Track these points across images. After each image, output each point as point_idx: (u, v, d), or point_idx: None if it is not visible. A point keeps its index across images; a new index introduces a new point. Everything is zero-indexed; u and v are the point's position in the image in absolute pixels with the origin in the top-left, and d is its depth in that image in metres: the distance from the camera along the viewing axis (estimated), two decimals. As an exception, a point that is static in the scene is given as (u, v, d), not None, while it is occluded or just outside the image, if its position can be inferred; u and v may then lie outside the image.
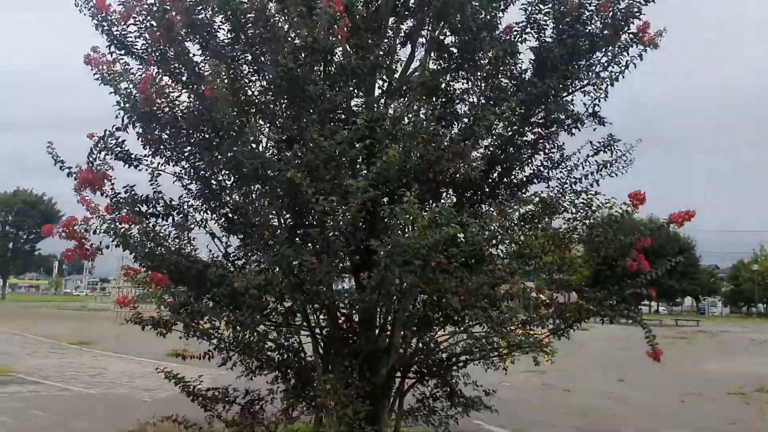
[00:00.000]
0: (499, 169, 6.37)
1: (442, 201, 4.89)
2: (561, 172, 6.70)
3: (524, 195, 6.48)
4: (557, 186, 6.58)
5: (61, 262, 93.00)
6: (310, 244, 5.33)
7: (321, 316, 6.28)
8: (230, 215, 6.19)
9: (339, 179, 5.05)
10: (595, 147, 6.28)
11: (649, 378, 14.98)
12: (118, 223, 5.68)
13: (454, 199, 5.96)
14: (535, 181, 6.79)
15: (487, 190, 6.44)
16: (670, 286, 55.48)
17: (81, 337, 21.86)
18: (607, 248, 5.85)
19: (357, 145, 5.20)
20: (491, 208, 6.28)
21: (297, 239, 5.53)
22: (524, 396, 12.08)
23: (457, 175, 5.54)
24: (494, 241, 5.36)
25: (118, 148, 5.97)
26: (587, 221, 5.87)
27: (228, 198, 6.19)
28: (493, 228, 5.05)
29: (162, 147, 6.07)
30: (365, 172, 4.97)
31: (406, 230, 4.87)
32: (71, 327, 27.38)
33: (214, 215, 6.25)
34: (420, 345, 6.10)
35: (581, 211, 5.87)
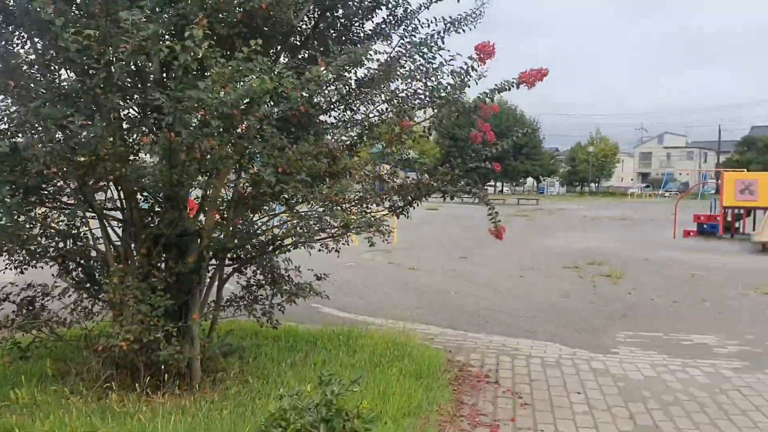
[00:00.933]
0: (330, 18, 5.36)
1: (253, 48, 3.83)
2: (405, 30, 5.84)
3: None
4: (400, 47, 5.73)
5: None
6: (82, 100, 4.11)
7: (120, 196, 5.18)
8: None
9: (108, 10, 3.78)
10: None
11: (491, 255, 15.27)
12: None
13: (274, 51, 4.93)
14: (375, 39, 5.89)
15: (316, 43, 5.44)
16: (514, 167, 58.20)
17: None
18: (449, 111, 5.13)
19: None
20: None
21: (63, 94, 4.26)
22: (368, 276, 11.74)
23: (275, 19, 4.45)
24: (319, 100, 4.42)
25: None
26: (429, 80, 5.08)
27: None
28: (319, 80, 4.08)
29: None
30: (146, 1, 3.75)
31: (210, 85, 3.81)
32: None
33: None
34: (239, 228, 5.20)
35: (421, 67, 5.07)
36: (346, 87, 5.71)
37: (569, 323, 8.24)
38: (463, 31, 5.30)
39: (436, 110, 5.19)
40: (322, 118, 5.77)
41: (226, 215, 5.11)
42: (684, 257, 15.59)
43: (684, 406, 5.10)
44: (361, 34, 5.96)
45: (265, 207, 5.40)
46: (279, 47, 5.20)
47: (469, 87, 5.27)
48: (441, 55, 5.09)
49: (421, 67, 5.14)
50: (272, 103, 4.24)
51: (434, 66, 5.07)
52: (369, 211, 5.92)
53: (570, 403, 5.17)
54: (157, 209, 5.22)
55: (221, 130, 3.81)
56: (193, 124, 3.83)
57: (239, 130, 4.16)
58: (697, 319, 8.67)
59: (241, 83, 3.79)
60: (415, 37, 5.70)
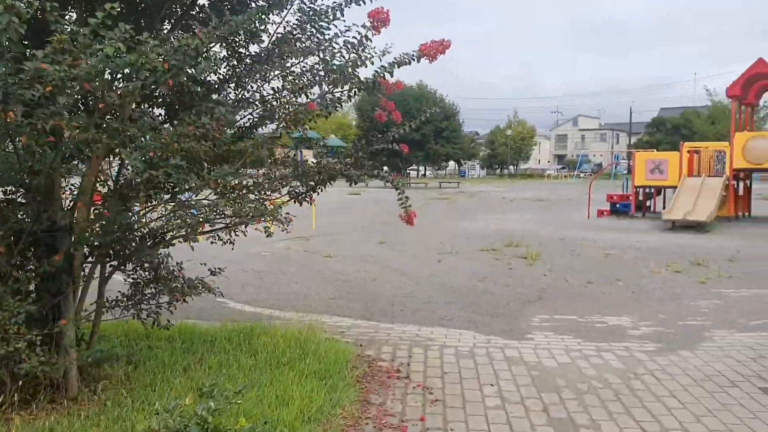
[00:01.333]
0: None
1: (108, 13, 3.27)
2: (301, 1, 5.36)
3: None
4: (296, 19, 5.25)
5: None
6: None
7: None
8: None
9: None
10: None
11: (410, 239, 15.03)
12: None
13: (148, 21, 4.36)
14: (269, 10, 5.38)
15: (201, 15, 4.90)
16: (435, 151, 58.43)
17: None
18: (342, 84, 4.71)
19: None
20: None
21: None
22: (281, 266, 11.24)
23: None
24: (192, 71, 3.90)
25: None
26: (322, 53, 4.63)
27: None
28: (189, 49, 3.55)
29: None
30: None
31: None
32: None
33: None
34: (112, 220, 4.61)
35: (314, 39, 4.62)
36: (239, 63, 5.22)
37: (485, 309, 8.04)
38: (364, 3, 4.85)
39: (330, 86, 4.75)
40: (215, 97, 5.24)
41: (100, 208, 4.53)
42: (598, 237, 15.83)
43: (599, 395, 4.91)
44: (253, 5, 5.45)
45: (150, 196, 4.85)
46: (154, 16, 4.62)
47: (372, 63, 4.87)
48: (336, 26, 4.65)
49: (313, 38, 4.68)
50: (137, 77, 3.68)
51: (328, 37, 4.62)
52: (268, 198, 5.47)
53: (482, 397, 4.89)
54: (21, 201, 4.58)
55: (81, 109, 3.26)
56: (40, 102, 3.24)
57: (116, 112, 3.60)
58: (612, 299, 8.65)
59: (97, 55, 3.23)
60: (313, 4, 5.23)
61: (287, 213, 5.11)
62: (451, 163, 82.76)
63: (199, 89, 4.75)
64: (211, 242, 5.47)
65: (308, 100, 4.84)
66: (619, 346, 6.28)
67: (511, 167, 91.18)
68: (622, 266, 11.36)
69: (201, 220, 4.36)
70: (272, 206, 5.01)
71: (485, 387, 5.13)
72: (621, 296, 8.85)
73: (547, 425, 4.35)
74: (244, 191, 4.84)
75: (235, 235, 5.15)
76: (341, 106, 4.99)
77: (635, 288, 9.39)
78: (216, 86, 5.19)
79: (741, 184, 21.52)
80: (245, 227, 5.21)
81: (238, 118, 4.94)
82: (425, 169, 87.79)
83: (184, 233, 4.43)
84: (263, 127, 5.33)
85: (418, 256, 12.76)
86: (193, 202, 4.58)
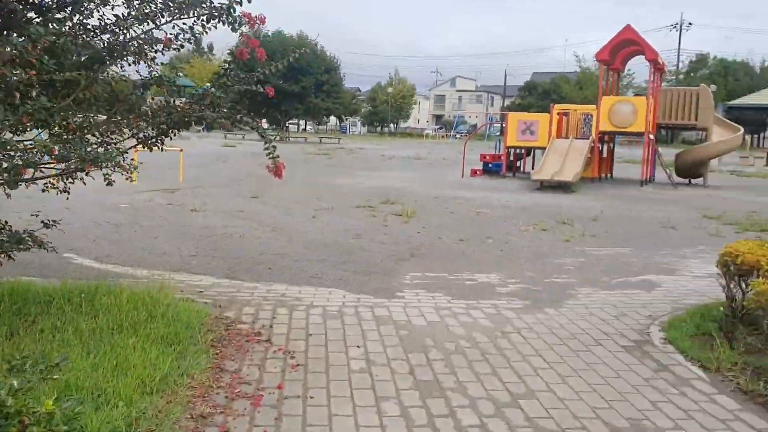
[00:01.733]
0: None
1: None
2: None
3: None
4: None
5: None
6: None
7: None
8: None
9: None
10: None
11: (285, 194, 14.53)
12: None
13: None
14: None
15: None
16: (315, 104, 57.40)
17: None
18: (192, 11, 4.14)
19: None
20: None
21: None
22: (141, 219, 10.41)
23: None
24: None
25: None
26: None
27: None
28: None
29: None
30: None
31: None
32: None
33: None
34: None
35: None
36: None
37: (358, 266, 7.77)
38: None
39: (177, 13, 4.16)
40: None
41: None
42: (471, 195, 16.04)
43: (466, 355, 4.77)
44: None
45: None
46: None
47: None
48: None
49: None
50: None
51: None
52: (113, 142, 4.84)
53: (347, 360, 4.61)
54: None
55: None
56: None
57: None
58: (482, 257, 8.66)
59: None
60: None
61: (133, 160, 4.51)
62: (333, 119, 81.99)
63: (20, 7, 4.00)
64: (43, 190, 4.77)
65: (153, 26, 4.22)
66: (488, 304, 6.22)
67: (392, 125, 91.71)
68: (492, 225, 11.50)
69: (20, 163, 3.69)
70: (116, 151, 4.40)
71: (351, 349, 4.85)
72: (491, 254, 8.89)
73: (413, 389, 4.14)
74: (78, 133, 4.19)
75: (71, 182, 4.48)
76: (195, 37, 4.39)
77: (504, 246, 9.48)
78: (45, 7, 4.43)
79: (605, 147, 22.60)
80: (86, 174, 4.56)
81: (70, 45, 4.22)
82: (306, 123, 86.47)
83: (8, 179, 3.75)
84: (112, 61, 4.64)
85: (292, 211, 12.30)
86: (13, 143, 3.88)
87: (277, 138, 54.57)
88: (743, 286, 5.25)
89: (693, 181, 21.54)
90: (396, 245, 9.23)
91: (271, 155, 4.90)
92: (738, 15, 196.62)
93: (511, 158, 22.90)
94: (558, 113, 21.56)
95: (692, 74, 69.84)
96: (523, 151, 23.38)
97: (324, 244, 9.14)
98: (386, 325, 5.46)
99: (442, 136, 77.05)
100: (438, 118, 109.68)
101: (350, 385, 4.17)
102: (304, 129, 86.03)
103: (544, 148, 20.99)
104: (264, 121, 72.22)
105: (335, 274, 7.35)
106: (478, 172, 22.40)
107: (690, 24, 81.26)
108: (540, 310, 6.06)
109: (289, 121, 68.42)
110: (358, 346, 4.91)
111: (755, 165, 33.71)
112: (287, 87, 54.21)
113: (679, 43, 71.75)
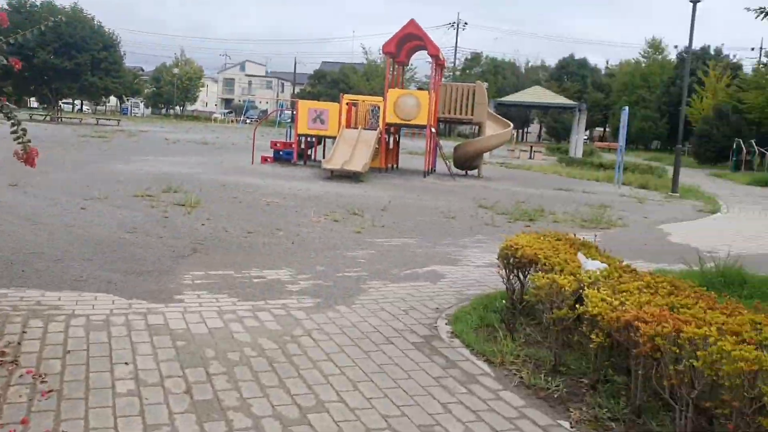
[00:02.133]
0: None
1: None
2: None
3: None
4: None
5: None
6: None
7: None
8: None
9: None
10: None
11: (50, 182, 12.92)
12: None
13: None
14: None
15: None
16: (92, 83, 52.53)
17: None
18: None
19: None
20: None
21: None
22: None
23: None
24: None
25: None
26: None
27: None
28: None
29: None
30: None
31: None
32: None
33: None
34: None
35: None
36: None
37: (130, 266, 6.97)
38: None
39: None
40: None
41: None
42: (261, 183, 15.54)
43: (252, 366, 4.37)
44: None
45: None
46: None
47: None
48: None
49: None
50: None
51: None
52: None
53: (113, 381, 3.98)
54: None
55: None
56: None
57: None
58: (271, 250, 8.28)
59: None
60: None
61: None
62: (113, 100, 75.85)
63: None
64: None
65: None
66: (277, 304, 5.86)
67: (178, 108, 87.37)
68: (283, 215, 11.16)
69: None
70: None
71: (118, 367, 4.21)
72: (281, 247, 8.54)
73: (189, 411, 3.65)
74: None
75: None
76: None
77: (295, 238, 9.19)
78: None
79: (391, 138, 23.29)
80: None
81: None
82: (82, 103, 79.22)
83: None
84: None
85: (57, 202, 10.90)
86: None
87: (47, 118, 49.22)
88: (522, 278, 5.47)
89: (469, 172, 22.98)
90: (176, 239, 8.50)
91: (20, 140, 4.16)
92: (506, 19, 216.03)
93: (302, 146, 22.71)
94: (347, 103, 21.74)
95: (467, 71, 75.35)
96: (314, 139, 23.30)
97: (92, 240, 8.13)
98: (161, 335, 4.87)
99: (231, 121, 74.96)
100: (227, 102, 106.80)
101: (114, 413, 3.57)
102: (80, 110, 78.72)
103: (334, 137, 21.06)
104: (33, 99, 64.70)
105: (103, 275, 6.51)
106: (268, 159, 21.90)
107: (466, 24, 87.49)
108: (331, 308, 5.83)
109: (63, 101, 62.13)
110: (126, 363, 4.28)
111: (521, 157, 37.10)
112: (59, 63, 49.03)
113: (456, 41, 77.12)
